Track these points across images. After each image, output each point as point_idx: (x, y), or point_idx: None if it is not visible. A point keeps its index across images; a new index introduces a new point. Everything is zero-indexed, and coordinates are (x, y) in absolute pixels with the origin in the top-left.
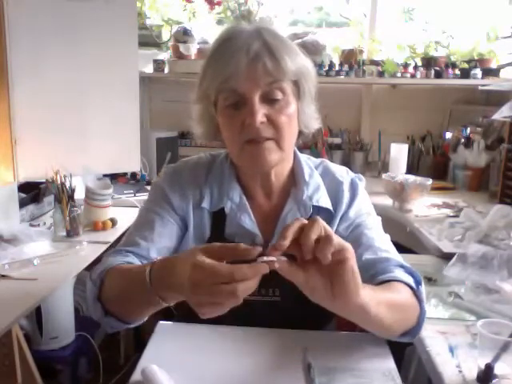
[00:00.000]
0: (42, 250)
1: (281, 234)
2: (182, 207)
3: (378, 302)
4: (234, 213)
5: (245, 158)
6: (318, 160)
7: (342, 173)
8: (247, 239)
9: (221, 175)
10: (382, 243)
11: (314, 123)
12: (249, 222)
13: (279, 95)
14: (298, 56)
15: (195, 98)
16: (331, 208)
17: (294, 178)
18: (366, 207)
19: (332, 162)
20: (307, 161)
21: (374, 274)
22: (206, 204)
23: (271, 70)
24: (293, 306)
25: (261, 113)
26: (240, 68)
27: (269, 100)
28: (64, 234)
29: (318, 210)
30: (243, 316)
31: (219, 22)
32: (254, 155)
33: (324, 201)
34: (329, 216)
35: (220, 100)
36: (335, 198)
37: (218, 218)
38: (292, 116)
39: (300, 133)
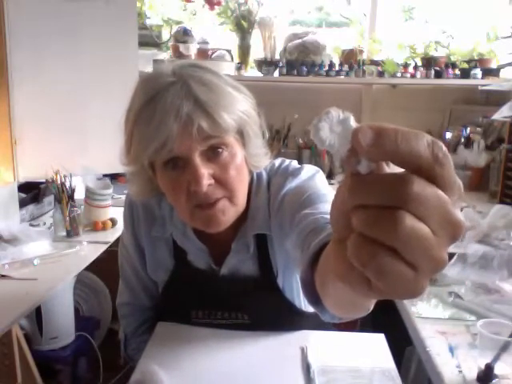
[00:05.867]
0: (41, 250)
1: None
2: (142, 240)
3: None
4: (181, 240)
5: (197, 222)
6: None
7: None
8: (206, 264)
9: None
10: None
11: (263, 161)
12: (194, 249)
13: (222, 150)
14: (238, 103)
15: (123, 161)
16: (266, 232)
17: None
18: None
19: (332, 161)
20: (261, 177)
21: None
22: (156, 232)
23: (208, 130)
24: (264, 329)
25: (206, 175)
26: (171, 135)
27: (212, 156)
28: (64, 234)
29: (258, 236)
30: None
31: (220, 21)
32: (206, 220)
33: (258, 226)
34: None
35: (157, 161)
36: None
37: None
38: (240, 166)
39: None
